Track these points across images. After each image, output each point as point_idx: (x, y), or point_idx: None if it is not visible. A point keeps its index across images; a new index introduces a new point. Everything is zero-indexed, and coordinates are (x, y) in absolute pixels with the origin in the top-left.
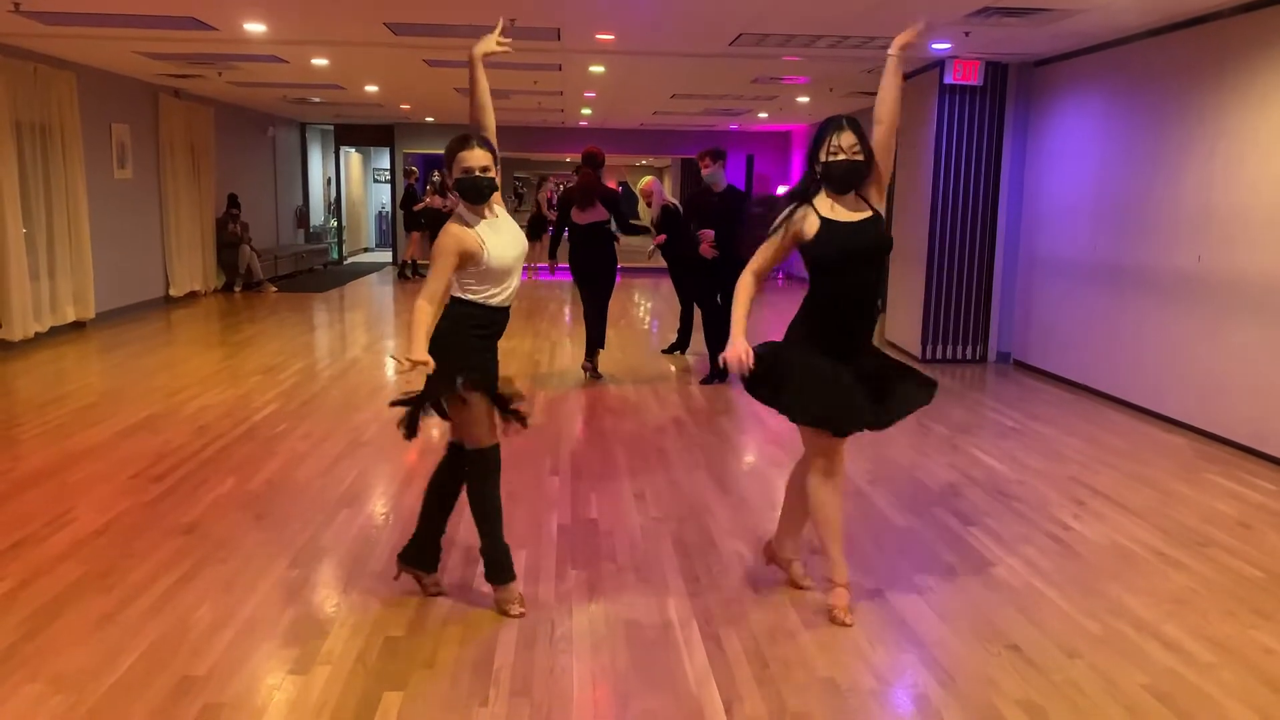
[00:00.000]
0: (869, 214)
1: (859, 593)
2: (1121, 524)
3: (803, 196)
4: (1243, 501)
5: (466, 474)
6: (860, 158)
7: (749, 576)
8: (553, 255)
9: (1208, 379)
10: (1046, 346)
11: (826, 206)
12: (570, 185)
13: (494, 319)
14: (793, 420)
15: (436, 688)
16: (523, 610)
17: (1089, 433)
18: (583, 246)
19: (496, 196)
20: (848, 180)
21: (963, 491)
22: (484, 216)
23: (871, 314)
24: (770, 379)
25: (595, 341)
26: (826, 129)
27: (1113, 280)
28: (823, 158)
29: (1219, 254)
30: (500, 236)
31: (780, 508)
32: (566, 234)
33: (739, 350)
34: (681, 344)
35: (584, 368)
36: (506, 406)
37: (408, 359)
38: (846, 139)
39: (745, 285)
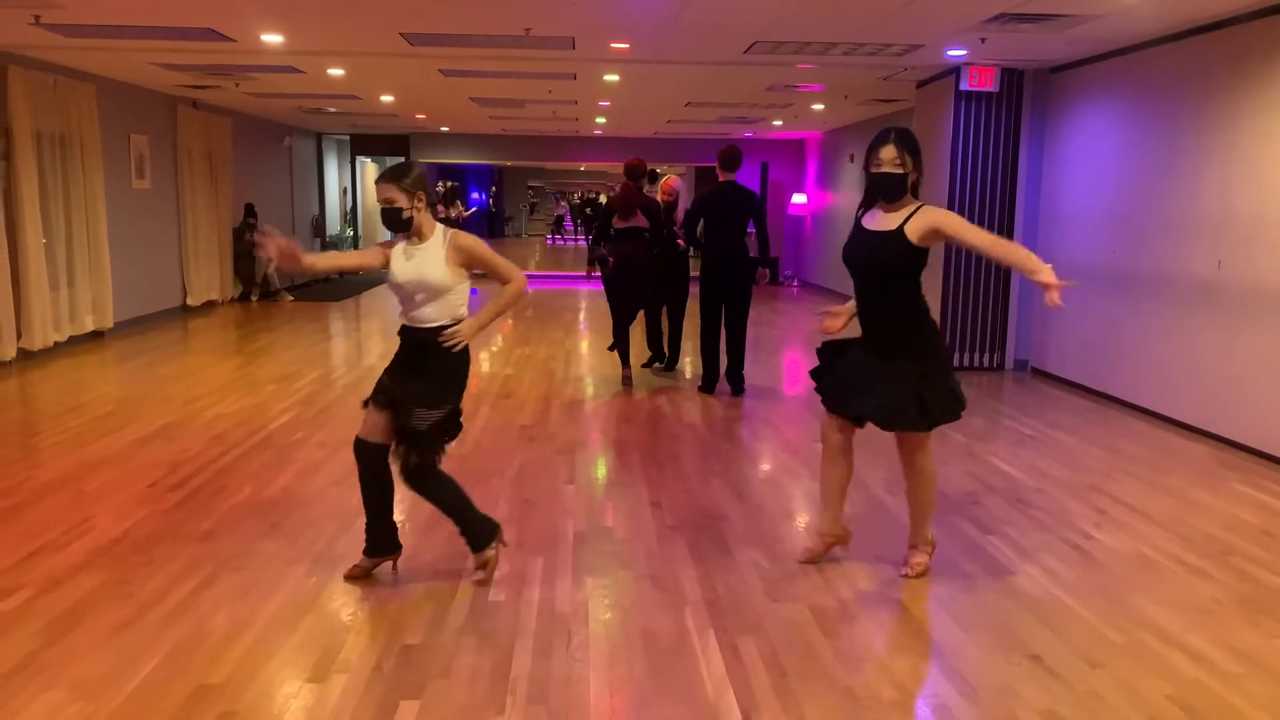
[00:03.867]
0: (893, 229)
1: (879, 601)
2: (1143, 533)
3: (866, 201)
4: (1266, 510)
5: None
6: (898, 170)
7: (766, 585)
8: (591, 263)
9: (1229, 385)
10: (1064, 354)
11: (876, 213)
12: (613, 195)
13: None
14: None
15: (453, 696)
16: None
17: (1108, 441)
18: (621, 254)
19: (422, 222)
20: (883, 191)
21: (981, 500)
22: (410, 240)
23: (890, 322)
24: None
25: (626, 350)
26: (873, 141)
27: (1131, 286)
28: (868, 168)
29: (1239, 259)
30: (407, 261)
31: (796, 512)
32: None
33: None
34: (657, 356)
35: (647, 368)
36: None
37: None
38: (887, 152)
39: None
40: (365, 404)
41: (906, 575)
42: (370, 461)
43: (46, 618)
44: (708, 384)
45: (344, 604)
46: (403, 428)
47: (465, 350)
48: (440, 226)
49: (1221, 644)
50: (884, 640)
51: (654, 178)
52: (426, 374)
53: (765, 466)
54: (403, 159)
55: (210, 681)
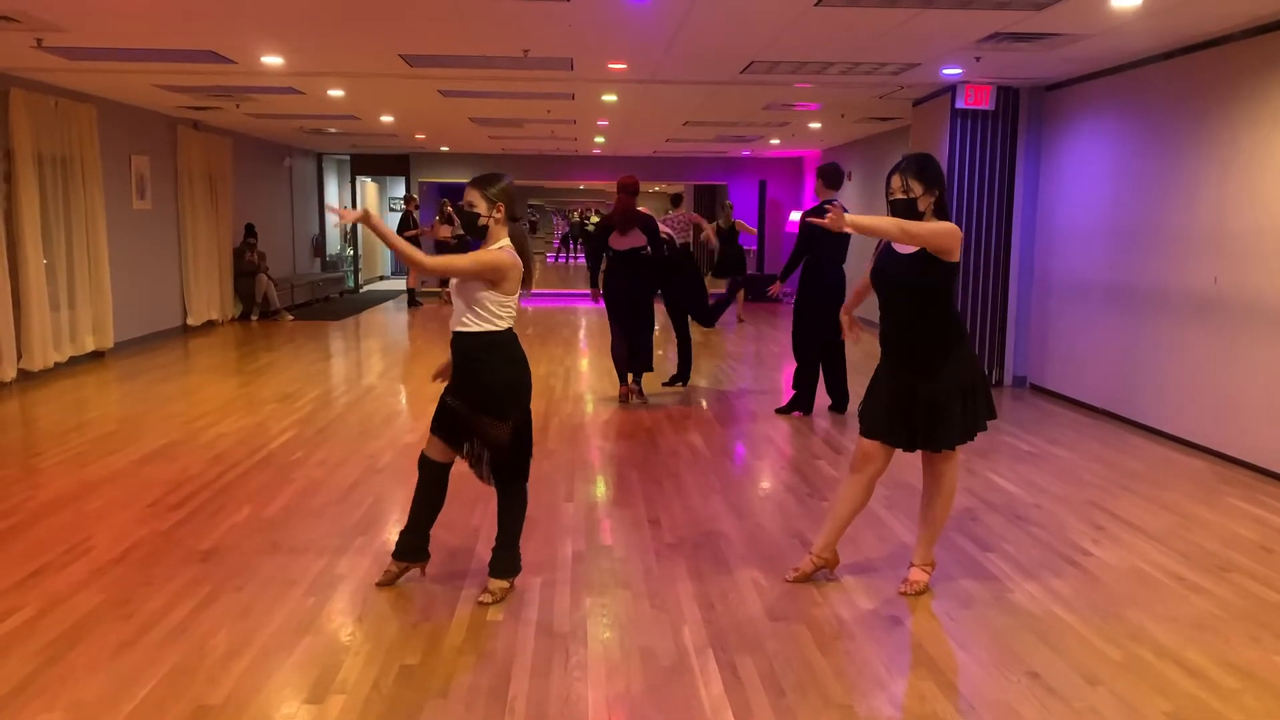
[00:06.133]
0: (915, 251)
1: (877, 620)
2: (1141, 548)
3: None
4: (1264, 525)
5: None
6: (903, 197)
7: (765, 603)
8: (594, 284)
9: (1226, 401)
10: (1062, 370)
11: None
12: (609, 212)
13: None
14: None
15: (451, 716)
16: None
17: (1107, 456)
18: (621, 274)
19: (494, 232)
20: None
21: (980, 517)
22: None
23: (913, 342)
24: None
25: (642, 365)
26: (890, 171)
27: (1128, 303)
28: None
29: (1234, 274)
30: None
31: (796, 530)
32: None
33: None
34: (682, 375)
35: (631, 390)
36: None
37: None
38: (895, 182)
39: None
40: (432, 430)
41: (905, 593)
42: (431, 476)
43: (46, 638)
44: (842, 403)
45: (342, 624)
46: (484, 439)
47: (517, 361)
48: (505, 242)
49: (1220, 660)
50: (883, 658)
51: (677, 201)
52: (479, 383)
53: (765, 484)
54: (403, 178)
55: (209, 702)
